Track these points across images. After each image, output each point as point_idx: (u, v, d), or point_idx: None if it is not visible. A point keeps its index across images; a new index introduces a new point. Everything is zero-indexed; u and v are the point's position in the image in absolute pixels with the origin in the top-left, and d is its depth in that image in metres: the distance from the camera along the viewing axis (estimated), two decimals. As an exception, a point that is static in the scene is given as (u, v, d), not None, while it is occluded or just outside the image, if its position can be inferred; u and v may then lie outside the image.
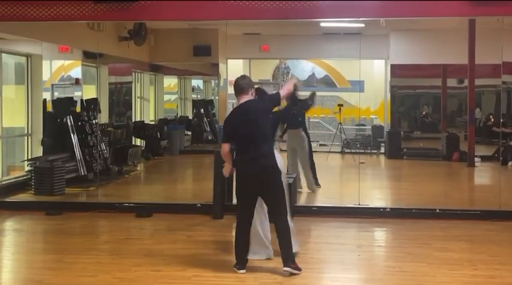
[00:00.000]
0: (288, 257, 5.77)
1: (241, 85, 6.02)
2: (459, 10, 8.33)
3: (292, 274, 5.70)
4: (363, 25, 12.91)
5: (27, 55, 11.39)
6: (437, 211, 8.73)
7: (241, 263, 5.91)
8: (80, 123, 11.31)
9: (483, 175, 13.43)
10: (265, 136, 5.91)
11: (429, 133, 16.81)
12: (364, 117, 17.82)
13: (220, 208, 8.65)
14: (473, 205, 10.05)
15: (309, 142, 10.66)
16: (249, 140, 5.86)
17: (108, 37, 12.62)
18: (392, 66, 15.66)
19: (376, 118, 17.76)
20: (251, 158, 5.85)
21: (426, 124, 17.11)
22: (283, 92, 6.16)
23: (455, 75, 15.67)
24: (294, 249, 5.94)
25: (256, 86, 6.35)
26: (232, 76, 17.56)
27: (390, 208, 8.85)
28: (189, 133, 17.23)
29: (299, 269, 5.75)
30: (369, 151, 15.76)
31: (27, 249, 7.41)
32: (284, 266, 5.74)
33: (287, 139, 10.42)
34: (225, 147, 5.97)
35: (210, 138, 17.12)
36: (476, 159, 13.50)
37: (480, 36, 12.76)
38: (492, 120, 15.20)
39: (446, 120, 16.02)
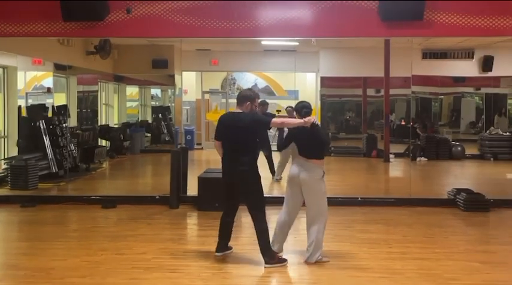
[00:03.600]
0: (265, 255, 5.54)
1: (239, 96, 5.75)
2: (376, 31, 8.51)
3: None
4: (297, 43, 13.04)
5: (4, 67, 11.07)
6: (359, 199, 8.88)
7: (219, 246, 5.80)
8: (51, 127, 11.05)
9: (396, 169, 13.71)
10: (242, 147, 5.57)
11: (352, 134, 17.05)
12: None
13: (176, 199, 8.59)
14: (388, 193, 10.28)
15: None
16: (230, 146, 5.64)
17: (77, 51, 12.36)
18: (322, 78, 15.80)
19: (308, 121, 17.88)
20: (229, 163, 5.67)
21: (350, 126, 17.37)
22: (286, 122, 5.75)
23: (374, 85, 15.93)
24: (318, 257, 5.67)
25: (261, 100, 6.02)
26: (186, 86, 17.59)
27: (320, 197, 8.95)
28: (149, 135, 17.01)
29: (283, 261, 5.58)
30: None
31: (3, 237, 7.19)
32: (265, 264, 5.51)
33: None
34: (217, 143, 5.76)
35: (167, 139, 16.95)
36: (390, 156, 13.76)
37: (394, 53, 13.03)
38: (403, 122, 15.59)
39: (366, 123, 16.27)
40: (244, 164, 5.56)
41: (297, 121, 5.64)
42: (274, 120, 5.69)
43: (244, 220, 6.75)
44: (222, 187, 5.90)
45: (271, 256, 5.56)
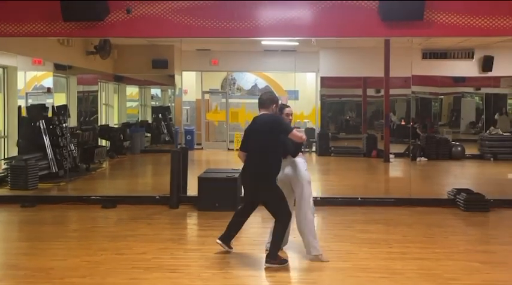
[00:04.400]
0: (272, 256, 5.50)
1: (262, 100, 5.76)
2: (376, 31, 8.51)
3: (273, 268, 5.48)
4: (297, 43, 13.05)
5: (4, 67, 11.07)
6: (359, 199, 8.88)
7: (225, 236, 5.85)
8: (51, 127, 11.05)
9: (396, 169, 13.71)
10: (265, 150, 5.55)
11: (352, 134, 17.08)
12: (298, 120, 17.93)
13: (176, 199, 8.59)
14: (388, 193, 10.28)
15: None
16: (254, 149, 5.65)
17: (77, 51, 12.37)
18: (321, 78, 15.84)
19: (308, 121, 17.93)
20: (246, 165, 5.69)
21: (350, 126, 17.39)
22: (296, 135, 5.63)
23: (374, 85, 15.96)
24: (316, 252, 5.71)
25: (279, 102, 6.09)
26: (186, 86, 17.60)
27: (320, 197, 8.95)
28: (149, 135, 17.02)
29: (283, 262, 5.53)
30: (302, 150, 15.86)
31: (3, 237, 7.18)
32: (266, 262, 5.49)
33: None
34: (241, 154, 5.78)
35: (167, 139, 16.96)
36: (390, 156, 13.77)
37: (394, 53, 13.04)
38: (403, 122, 15.60)
39: (366, 123, 16.31)
40: (263, 167, 5.57)
41: (301, 136, 5.77)
42: (294, 131, 5.64)
43: (245, 220, 6.73)
44: (242, 187, 5.95)
45: (274, 256, 5.54)
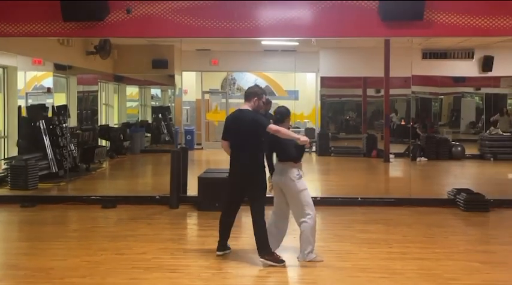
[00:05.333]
0: (262, 250, 5.56)
1: (247, 92, 5.79)
2: (376, 31, 8.51)
3: (269, 265, 5.50)
4: (297, 43, 13.05)
5: (4, 67, 11.06)
6: (359, 199, 8.88)
7: (220, 245, 5.83)
8: (51, 127, 11.06)
9: (396, 169, 13.71)
10: (247, 145, 5.59)
11: (352, 134, 17.08)
12: (298, 121, 17.97)
13: (176, 199, 8.59)
14: (388, 193, 10.26)
15: None
16: (235, 143, 5.67)
17: (77, 51, 12.37)
18: (321, 78, 15.84)
19: (308, 122, 17.95)
20: (234, 162, 5.69)
21: (350, 126, 17.39)
22: (282, 131, 5.53)
23: (374, 85, 15.96)
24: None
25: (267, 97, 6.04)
26: (186, 86, 17.61)
27: (320, 197, 8.95)
28: (149, 135, 17.03)
29: (280, 262, 5.54)
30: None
31: (3, 237, 7.18)
32: (260, 258, 5.54)
33: None
34: (223, 144, 5.76)
35: (167, 139, 16.97)
36: (390, 156, 13.77)
37: (394, 53, 13.04)
38: (403, 122, 15.61)
39: (366, 123, 16.31)
40: (247, 161, 5.60)
41: (292, 134, 5.66)
42: (270, 125, 5.62)
43: (244, 220, 6.74)
44: (226, 186, 5.91)
45: (268, 252, 5.55)
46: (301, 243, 5.72)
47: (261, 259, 5.55)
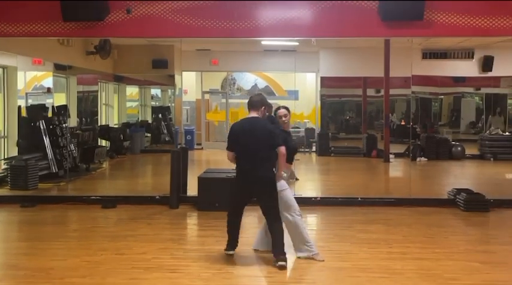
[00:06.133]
0: (278, 252, 5.56)
1: (253, 102, 5.74)
2: (376, 31, 8.52)
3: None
4: (297, 43, 13.04)
5: (4, 67, 11.06)
6: (359, 199, 8.88)
7: (230, 244, 5.84)
8: (51, 127, 11.06)
9: (396, 169, 13.72)
10: (263, 152, 5.56)
11: (352, 134, 17.08)
12: (298, 121, 17.97)
13: (176, 199, 8.59)
14: (389, 193, 10.25)
15: None
16: (248, 152, 5.60)
17: (77, 51, 12.37)
18: (321, 78, 15.85)
19: (308, 122, 17.94)
20: (248, 168, 5.62)
21: (350, 126, 17.40)
22: (282, 161, 5.59)
23: (374, 85, 15.96)
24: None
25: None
26: (186, 86, 17.61)
27: (320, 197, 8.97)
28: (149, 135, 17.03)
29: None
30: (302, 150, 15.90)
31: (3, 237, 7.18)
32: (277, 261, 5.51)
33: None
34: (229, 154, 5.72)
35: (167, 139, 16.98)
36: (390, 156, 13.77)
37: (394, 53, 13.05)
38: (403, 122, 15.61)
39: (366, 123, 16.31)
40: (263, 168, 5.57)
41: (280, 171, 5.69)
42: (282, 148, 5.55)
43: (244, 221, 6.72)
44: (233, 188, 5.89)
45: (283, 253, 5.58)
46: (292, 240, 5.80)
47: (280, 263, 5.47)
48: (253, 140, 5.57)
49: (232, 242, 5.86)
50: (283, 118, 6.07)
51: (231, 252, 5.83)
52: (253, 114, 5.71)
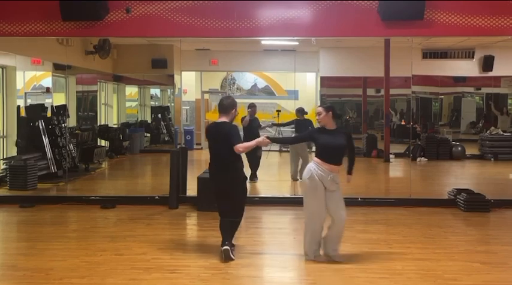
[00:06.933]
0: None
1: (224, 105, 5.86)
2: (376, 31, 8.52)
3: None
4: (297, 43, 13.04)
5: (2, 67, 11.05)
6: (359, 199, 8.86)
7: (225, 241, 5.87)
8: (50, 127, 11.06)
9: (396, 169, 13.70)
10: (224, 154, 5.72)
11: (352, 134, 17.04)
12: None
13: (176, 199, 8.59)
14: (389, 194, 10.28)
15: None
16: (215, 154, 5.84)
17: (76, 51, 12.36)
18: (321, 77, 15.80)
19: (308, 121, 17.90)
20: (216, 168, 5.82)
21: (350, 126, 17.38)
22: (247, 146, 5.77)
23: (374, 85, 15.95)
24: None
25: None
26: (186, 86, 17.59)
27: (320, 198, 8.95)
28: (148, 135, 17.01)
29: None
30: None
31: (2, 238, 7.18)
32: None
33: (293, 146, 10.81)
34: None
35: (166, 139, 16.97)
36: (390, 156, 13.76)
37: (394, 53, 13.04)
38: (403, 122, 15.59)
39: (366, 123, 16.29)
40: (228, 168, 5.75)
41: (251, 144, 5.84)
42: (238, 146, 5.66)
43: (243, 221, 6.74)
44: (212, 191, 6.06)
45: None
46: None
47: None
48: (217, 145, 5.78)
49: (227, 237, 5.88)
50: (316, 117, 5.96)
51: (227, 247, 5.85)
52: (223, 118, 5.84)
